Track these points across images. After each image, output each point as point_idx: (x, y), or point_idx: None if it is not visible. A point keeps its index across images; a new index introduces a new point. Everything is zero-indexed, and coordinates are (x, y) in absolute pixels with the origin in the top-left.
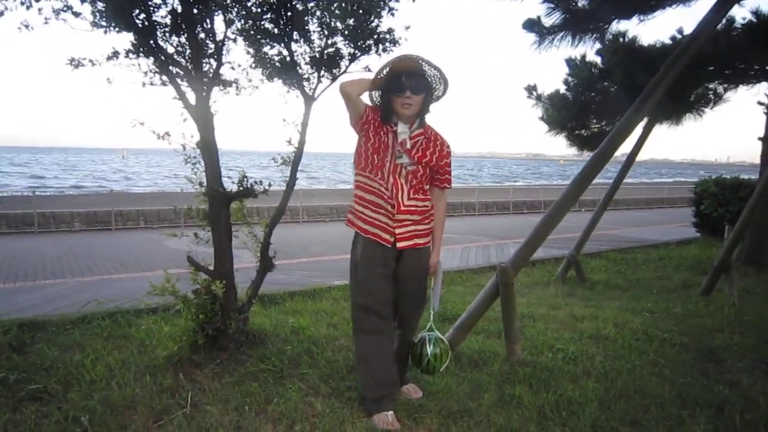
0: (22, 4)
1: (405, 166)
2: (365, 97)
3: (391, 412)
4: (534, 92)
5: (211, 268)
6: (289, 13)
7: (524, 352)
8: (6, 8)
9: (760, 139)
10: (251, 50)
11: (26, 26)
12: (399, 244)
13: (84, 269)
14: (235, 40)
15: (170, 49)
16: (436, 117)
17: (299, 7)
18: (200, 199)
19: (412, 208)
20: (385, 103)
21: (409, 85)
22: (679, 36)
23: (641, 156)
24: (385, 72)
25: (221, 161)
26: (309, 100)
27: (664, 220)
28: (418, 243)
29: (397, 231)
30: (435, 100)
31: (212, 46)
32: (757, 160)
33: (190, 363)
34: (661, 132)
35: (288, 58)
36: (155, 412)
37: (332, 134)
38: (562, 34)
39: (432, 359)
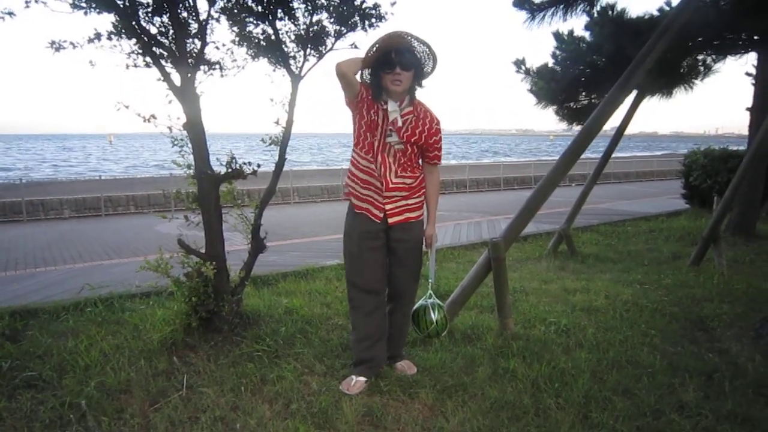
0: None
1: (393, 144)
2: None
3: (362, 378)
4: (522, 66)
5: (203, 251)
6: None
7: (517, 326)
8: None
9: (747, 109)
10: (235, 29)
11: (9, 14)
12: (390, 220)
13: (75, 256)
14: (218, 19)
15: (153, 30)
16: (425, 92)
17: None
18: (189, 182)
19: (400, 185)
20: (375, 81)
21: (399, 61)
22: (667, 8)
23: (631, 129)
24: (374, 50)
25: (209, 143)
26: (296, 78)
27: (654, 193)
28: (409, 217)
29: (387, 207)
30: (424, 77)
31: (195, 25)
32: (746, 131)
33: (185, 346)
34: (650, 105)
35: (273, 37)
36: (151, 395)
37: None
38: (552, 9)
39: (435, 324)
